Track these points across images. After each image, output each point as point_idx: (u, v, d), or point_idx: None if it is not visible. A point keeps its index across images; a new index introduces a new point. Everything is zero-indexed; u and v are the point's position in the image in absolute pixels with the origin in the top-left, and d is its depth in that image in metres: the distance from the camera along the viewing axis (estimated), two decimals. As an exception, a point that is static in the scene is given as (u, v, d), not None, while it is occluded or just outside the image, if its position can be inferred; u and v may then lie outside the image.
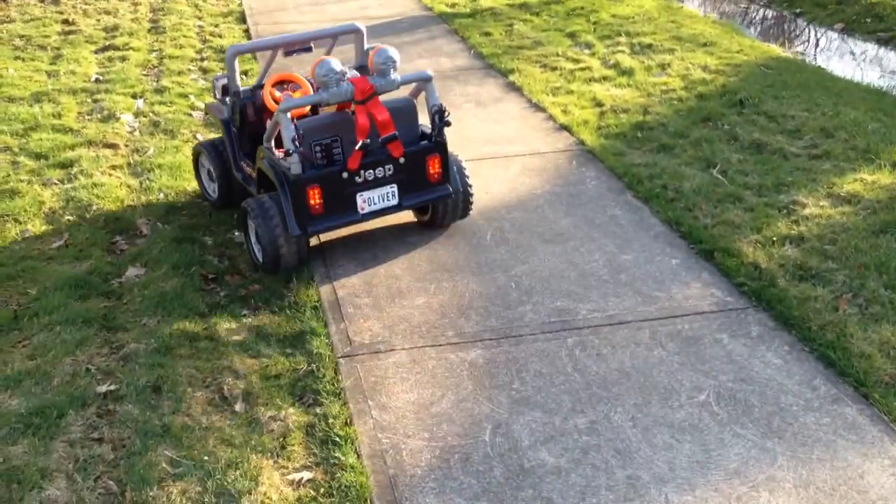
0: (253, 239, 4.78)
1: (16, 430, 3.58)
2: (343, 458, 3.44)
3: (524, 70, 8.00)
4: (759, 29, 10.72)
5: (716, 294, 4.51)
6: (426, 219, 5.14)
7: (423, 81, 4.77)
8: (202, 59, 8.71)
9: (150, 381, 3.88)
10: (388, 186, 4.66)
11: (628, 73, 7.82)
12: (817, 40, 9.95)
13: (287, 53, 5.15)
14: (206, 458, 3.45)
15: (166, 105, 7.39)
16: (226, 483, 3.32)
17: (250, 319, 4.39)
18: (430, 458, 3.46)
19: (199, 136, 6.77)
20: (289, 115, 4.43)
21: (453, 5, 10.58)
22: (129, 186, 5.89)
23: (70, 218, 5.46)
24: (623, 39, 8.84)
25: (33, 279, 4.76)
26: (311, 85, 5.11)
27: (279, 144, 4.78)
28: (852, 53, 9.31)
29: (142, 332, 4.27)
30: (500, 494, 3.27)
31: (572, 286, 4.61)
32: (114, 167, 6.18)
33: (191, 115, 7.19)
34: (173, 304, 4.48)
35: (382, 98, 4.62)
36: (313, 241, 5.08)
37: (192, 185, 5.90)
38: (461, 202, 5.03)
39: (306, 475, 3.38)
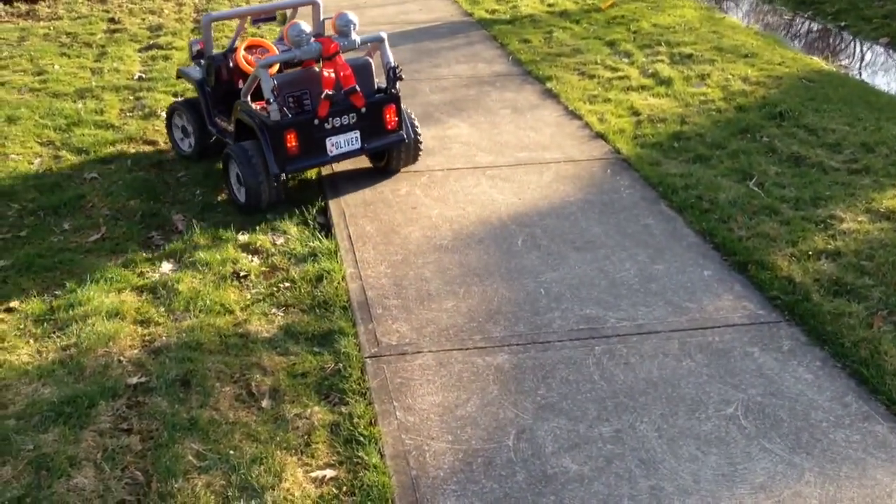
0: (234, 182, 5.51)
1: (47, 418, 3.65)
2: (366, 458, 3.45)
3: (562, 77, 7.98)
4: (802, 41, 10.58)
5: (748, 307, 4.45)
6: (381, 164, 5.95)
7: (378, 42, 5.64)
8: (243, 60, 8.81)
9: (179, 374, 3.94)
10: (353, 132, 5.50)
11: (667, 82, 7.76)
12: (862, 54, 9.80)
13: (254, 21, 6.16)
14: (231, 452, 3.49)
15: (206, 104, 7.48)
16: (250, 478, 3.35)
17: (280, 317, 4.43)
18: (452, 461, 3.47)
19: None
20: (268, 71, 5.20)
21: (493, 11, 10.60)
22: (166, 183, 5.98)
23: (108, 212, 5.56)
24: (663, 49, 8.78)
25: (70, 271, 4.86)
26: (279, 50, 5.87)
27: (255, 98, 5.50)
28: (897, 68, 9.14)
29: (173, 327, 4.34)
30: (522, 500, 3.26)
31: (602, 294, 4.58)
32: (153, 164, 6.28)
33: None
34: (205, 300, 4.54)
35: (344, 57, 5.42)
36: (345, 240, 5.11)
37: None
38: (412, 148, 5.87)
39: (329, 473, 3.40)
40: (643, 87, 7.70)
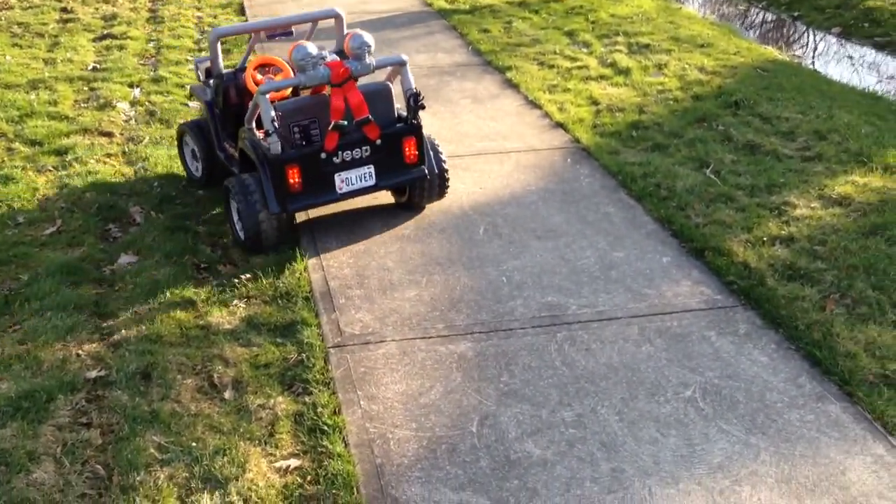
0: (235, 217, 4.94)
1: (5, 413, 3.59)
2: (330, 447, 3.46)
3: (521, 67, 8.02)
4: (757, 31, 10.75)
5: (705, 292, 4.53)
6: (404, 199, 5.30)
7: (398, 65, 4.96)
8: (200, 50, 8.71)
9: (139, 367, 3.90)
10: (366, 167, 4.85)
11: (625, 72, 7.84)
12: (815, 44, 9.99)
13: (269, 37, 5.41)
14: (193, 444, 3.47)
15: (163, 95, 7.39)
16: (213, 469, 3.34)
17: (242, 308, 4.41)
18: (417, 448, 3.49)
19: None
20: (268, 97, 4.61)
21: (453, 2, 10.60)
22: (123, 175, 5.90)
23: (63, 205, 5.47)
24: (621, 39, 8.86)
25: (25, 265, 4.78)
26: (293, 69, 5.14)
27: (260, 125, 4.90)
28: (849, 57, 9.34)
29: (133, 319, 4.29)
30: (486, 485, 3.29)
31: (563, 282, 4.63)
32: (108, 155, 6.19)
33: (187, 105, 7.20)
34: (165, 292, 4.49)
35: (360, 82, 4.84)
36: (307, 231, 5.10)
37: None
38: (437, 183, 5.20)
39: (294, 463, 3.40)
40: (602, 77, 7.77)
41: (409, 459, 3.43)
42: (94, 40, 8.97)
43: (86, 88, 7.50)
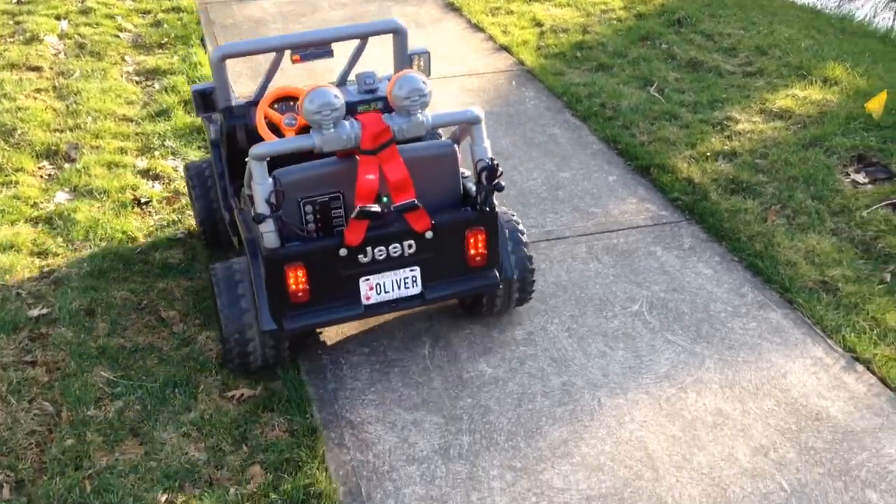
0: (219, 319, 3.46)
1: (-55, 355, 3.51)
2: (282, 374, 3.45)
3: (463, -10, 7.86)
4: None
5: (651, 209, 4.58)
6: (468, 302, 3.79)
7: (470, 123, 3.29)
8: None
9: (83, 304, 3.82)
10: (408, 269, 3.30)
11: (568, -8, 7.74)
12: (756, -40, 9.94)
13: (303, 57, 3.65)
14: (144, 377, 3.43)
15: (92, 27, 7.09)
16: (165, 401, 3.32)
17: (187, 243, 4.33)
18: (370, 372, 3.50)
19: (127, 57, 6.54)
20: (265, 163, 3.11)
21: (391, -76, 10.27)
22: (54, 110, 5.69)
23: (-7, 143, 5.27)
24: (563, -41, 8.71)
25: (-43, 206, 4.61)
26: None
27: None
28: (789, -27, 9.34)
29: (73, 257, 4.19)
30: (439, 404, 3.33)
31: (511, 203, 4.63)
32: (38, 90, 5.95)
33: (118, 36, 6.93)
34: (105, 229, 4.38)
35: (404, 149, 3.21)
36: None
37: (123, 108, 5.73)
38: (517, 288, 3.64)
39: (246, 392, 3.39)
40: (545, -2, 7.66)
41: (363, 383, 3.45)
42: (15, -29, 8.52)
43: (11, 22, 7.16)
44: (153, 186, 4.84)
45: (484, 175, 3.22)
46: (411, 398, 3.36)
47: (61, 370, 3.45)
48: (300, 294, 3.19)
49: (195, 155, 5.13)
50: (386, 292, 3.32)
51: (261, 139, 3.55)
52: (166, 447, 3.11)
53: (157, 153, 5.15)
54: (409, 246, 3.26)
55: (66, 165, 5.02)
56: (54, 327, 3.69)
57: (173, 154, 5.14)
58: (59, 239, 4.33)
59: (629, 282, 4.02)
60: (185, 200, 4.67)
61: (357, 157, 3.14)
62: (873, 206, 4.39)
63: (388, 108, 3.60)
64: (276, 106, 3.65)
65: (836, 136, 5.05)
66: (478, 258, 3.37)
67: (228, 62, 3.58)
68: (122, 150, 5.17)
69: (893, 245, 4.12)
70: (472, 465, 3.04)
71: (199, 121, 5.43)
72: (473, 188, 3.33)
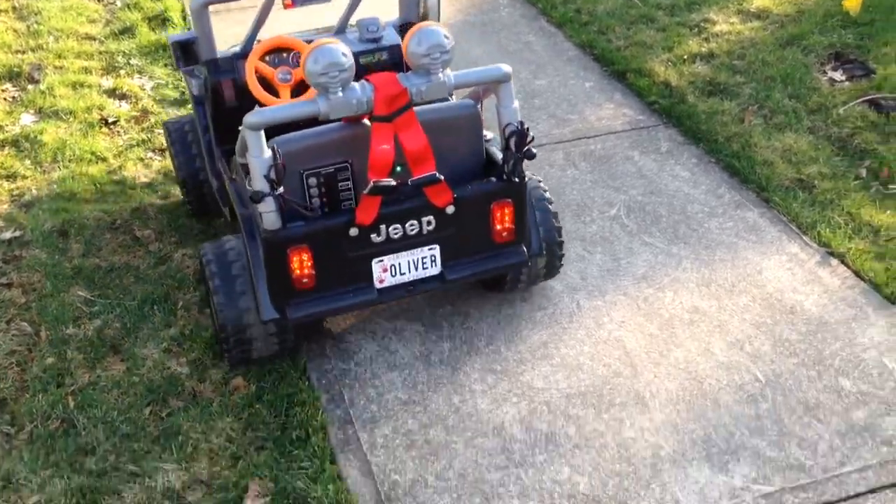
0: (213, 306, 3.07)
1: (-82, 281, 3.47)
2: (261, 288, 3.44)
3: None
4: None
5: (628, 113, 4.54)
6: (488, 280, 3.39)
7: (497, 80, 2.87)
8: None
9: (55, 225, 3.77)
10: (426, 248, 2.93)
11: None
12: None
13: (291, 3, 3.23)
14: (122, 296, 3.41)
15: (48, -56, 6.81)
16: (145, 318, 3.31)
17: (157, 161, 4.26)
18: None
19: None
20: (261, 133, 2.66)
21: None
22: (15, 31, 5.50)
23: (-47, 67, 5.11)
24: None
25: (-81, 131, 4.50)
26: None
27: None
28: None
29: (42, 180, 4.11)
30: (419, 312, 3.34)
31: (486, 113, 4.56)
32: (-4, 11, 5.75)
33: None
34: (74, 150, 4.30)
35: (422, 111, 2.80)
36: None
37: (85, 27, 5.55)
38: (545, 263, 3.28)
39: (225, 306, 3.38)
40: None
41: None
42: None
43: (-39, -59, 6.86)
44: (120, 106, 4.73)
45: (513, 141, 2.82)
46: (391, 307, 3.37)
47: (37, 291, 3.43)
48: (305, 280, 2.82)
49: (161, 74, 5.00)
50: (402, 274, 2.93)
51: (251, 96, 3.17)
52: (147, 363, 3.12)
53: (122, 72, 5.02)
54: (428, 222, 2.88)
55: (30, 87, 4.89)
56: (28, 249, 3.64)
57: (139, 73, 5.01)
58: (28, 161, 4.24)
59: (606, 187, 4.00)
60: (153, 119, 4.57)
61: (368, 122, 2.76)
62: (850, 103, 4.36)
63: (393, 60, 3.34)
64: (267, 59, 3.23)
65: (814, 35, 4.98)
66: (504, 233, 2.99)
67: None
68: (87, 70, 5.03)
69: (869, 141, 4.12)
70: (453, 370, 3.07)
71: (164, 38, 5.28)
72: (498, 154, 2.95)
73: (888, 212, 3.71)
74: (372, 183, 2.69)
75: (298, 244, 2.76)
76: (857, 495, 2.57)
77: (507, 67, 2.84)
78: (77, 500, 2.63)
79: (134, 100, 4.77)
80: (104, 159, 4.26)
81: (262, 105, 3.09)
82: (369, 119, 2.74)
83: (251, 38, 3.36)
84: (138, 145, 4.37)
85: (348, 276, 2.88)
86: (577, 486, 2.64)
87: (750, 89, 4.58)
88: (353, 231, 2.79)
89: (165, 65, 5.09)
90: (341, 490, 2.63)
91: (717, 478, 2.65)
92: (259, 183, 2.65)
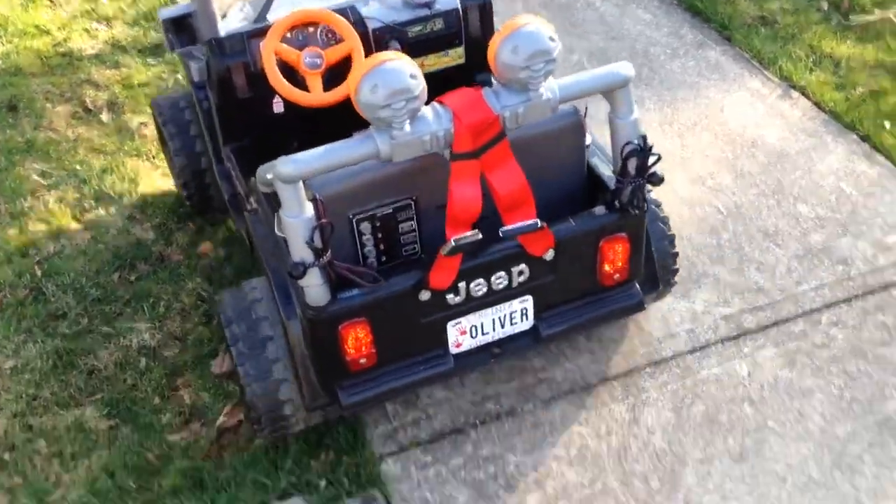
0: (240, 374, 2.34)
1: None
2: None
3: None
4: None
5: (587, -41, 4.41)
6: None
7: (617, 86, 2.11)
8: None
9: (3, 101, 3.67)
10: (516, 301, 2.29)
11: None
12: None
13: None
14: (78, 167, 3.35)
15: None
16: (104, 187, 3.26)
17: (104, 32, 4.10)
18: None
19: None
20: (300, 186, 1.94)
21: None
22: None
23: None
24: None
25: None
26: (369, 36, 2.53)
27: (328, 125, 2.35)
28: None
29: (-15, 55, 3.97)
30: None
31: None
32: None
33: None
34: (16, 24, 4.13)
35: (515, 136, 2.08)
36: None
37: None
38: (658, 286, 2.58)
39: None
40: None
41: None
42: None
43: None
44: (59, -23, 4.51)
45: (631, 159, 2.13)
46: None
47: (-9, 166, 3.36)
48: (363, 360, 2.21)
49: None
50: (483, 334, 2.30)
51: (267, 85, 2.40)
52: (111, 230, 3.10)
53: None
54: (520, 272, 2.21)
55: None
56: (-24, 126, 3.55)
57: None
58: (-33, 38, 4.08)
59: (568, 34, 3.92)
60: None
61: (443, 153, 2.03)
62: (813, -63, 4.26)
63: (450, 30, 2.60)
64: (288, 35, 2.43)
65: None
66: (616, 275, 2.34)
67: None
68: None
69: (832, -26, 4.05)
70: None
71: None
72: (602, 168, 2.31)
73: (848, 42, 3.69)
74: (452, 242, 2.03)
75: (353, 318, 2.12)
76: (813, 311, 2.65)
77: (627, 69, 2.11)
78: (53, 361, 2.66)
79: (73, -30, 4.55)
80: (48, 32, 4.10)
81: (283, 98, 2.46)
82: (450, 158, 2.02)
83: (265, 8, 2.57)
84: (82, 16, 4.20)
85: (417, 343, 2.26)
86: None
87: (712, -73, 4.44)
88: (425, 295, 2.15)
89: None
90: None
91: (678, 304, 2.72)
92: (300, 252, 1.98)
